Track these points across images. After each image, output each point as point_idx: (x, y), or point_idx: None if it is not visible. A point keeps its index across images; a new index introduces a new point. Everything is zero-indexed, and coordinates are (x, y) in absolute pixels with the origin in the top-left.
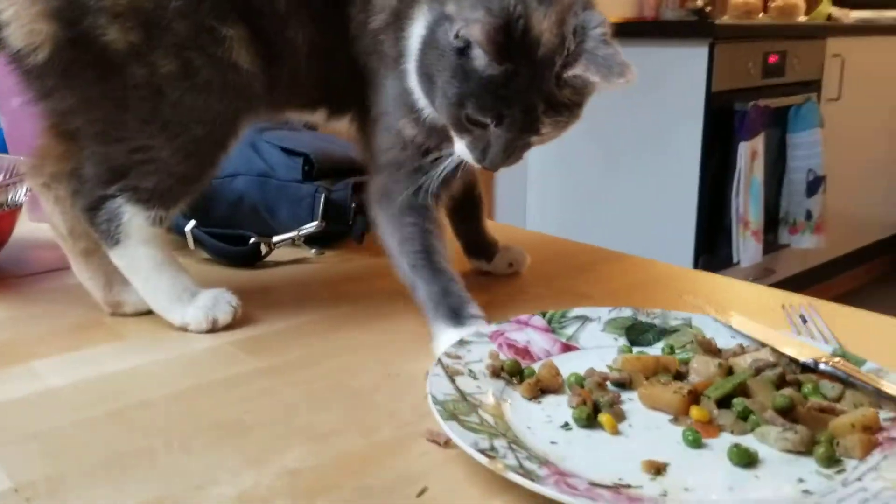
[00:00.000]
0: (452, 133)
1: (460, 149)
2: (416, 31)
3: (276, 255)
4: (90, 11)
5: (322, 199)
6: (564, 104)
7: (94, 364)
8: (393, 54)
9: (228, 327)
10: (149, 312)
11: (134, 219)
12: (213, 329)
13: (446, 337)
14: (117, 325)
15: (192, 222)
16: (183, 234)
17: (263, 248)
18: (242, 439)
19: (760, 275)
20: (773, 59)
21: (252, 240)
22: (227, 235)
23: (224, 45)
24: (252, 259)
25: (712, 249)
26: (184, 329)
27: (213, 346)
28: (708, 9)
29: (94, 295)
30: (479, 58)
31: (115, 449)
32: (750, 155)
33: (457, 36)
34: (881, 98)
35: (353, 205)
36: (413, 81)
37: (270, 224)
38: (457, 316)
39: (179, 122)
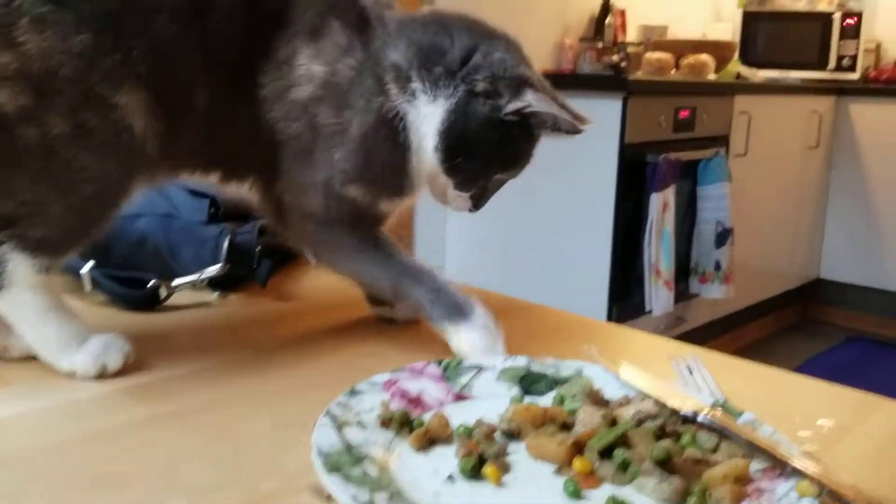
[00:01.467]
0: (456, 188)
1: (454, 197)
2: (429, 110)
3: (178, 298)
4: None
5: (227, 242)
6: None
7: None
8: (338, 126)
9: (119, 373)
10: (36, 357)
11: (19, 266)
12: (103, 376)
13: (465, 334)
14: (1, 369)
15: (90, 264)
16: (79, 275)
17: (163, 292)
18: (119, 494)
19: (672, 323)
20: (683, 114)
21: (151, 282)
22: (125, 278)
23: (116, 110)
24: (151, 302)
25: (625, 298)
26: (71, 376)
27: (101, 393)
28: (623, 64)
29: None
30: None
31: None
32: (661, 206)
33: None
34: (785, 154)
35: (259, 248)
36: (428, 153)
37: (172, 266)
38: (460, 310)
39: (71, 181)
